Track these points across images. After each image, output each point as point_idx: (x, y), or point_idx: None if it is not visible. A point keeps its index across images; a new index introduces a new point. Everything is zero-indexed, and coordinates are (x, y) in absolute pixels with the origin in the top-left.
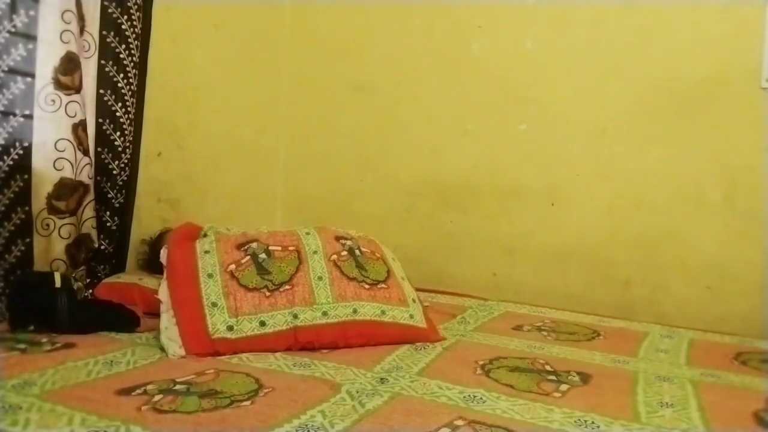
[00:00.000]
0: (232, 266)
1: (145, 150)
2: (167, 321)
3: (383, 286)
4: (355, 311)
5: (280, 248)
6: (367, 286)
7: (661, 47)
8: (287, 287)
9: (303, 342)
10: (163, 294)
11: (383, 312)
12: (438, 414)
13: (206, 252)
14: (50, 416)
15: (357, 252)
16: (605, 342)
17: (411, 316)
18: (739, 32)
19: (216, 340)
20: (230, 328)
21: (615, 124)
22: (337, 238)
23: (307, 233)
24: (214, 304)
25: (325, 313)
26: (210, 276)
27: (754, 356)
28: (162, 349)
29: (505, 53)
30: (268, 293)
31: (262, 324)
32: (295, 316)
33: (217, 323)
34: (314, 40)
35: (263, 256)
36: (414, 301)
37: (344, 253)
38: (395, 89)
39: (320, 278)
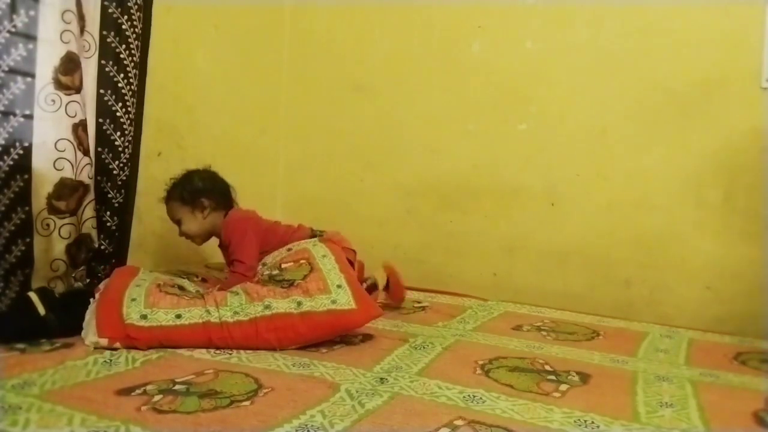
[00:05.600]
0: (160, 283)
1: (145, 150)
2: (89, 316)
3: (300, 282)
4: (267, 307)
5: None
6: (281, 289)
7: (661, 47)
8: (203, 295)
9: (216, 339)
10: (93, 305)
11: (299, 303)
12: (438, 414)
13: (142, 279)
14: (50, 416)
15: (275, 271)
16: (605, 342)
17: (333, 302)
18: (739, 32)
19: (128, 325)
20: (143, 317)
21: (615, 124)
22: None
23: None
24: (133, 300)
25: (236, 312)
26: (138, 286)
27: (754, 356)
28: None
29: (505, 53)
30: (187, 298)
31: (178, 317)
32: (208, 312)
33: (131, 312)
34: (314, 40)
35: (186, 282)
36: (340, 286)
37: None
38: (395, 89)
39: (236, 293)
